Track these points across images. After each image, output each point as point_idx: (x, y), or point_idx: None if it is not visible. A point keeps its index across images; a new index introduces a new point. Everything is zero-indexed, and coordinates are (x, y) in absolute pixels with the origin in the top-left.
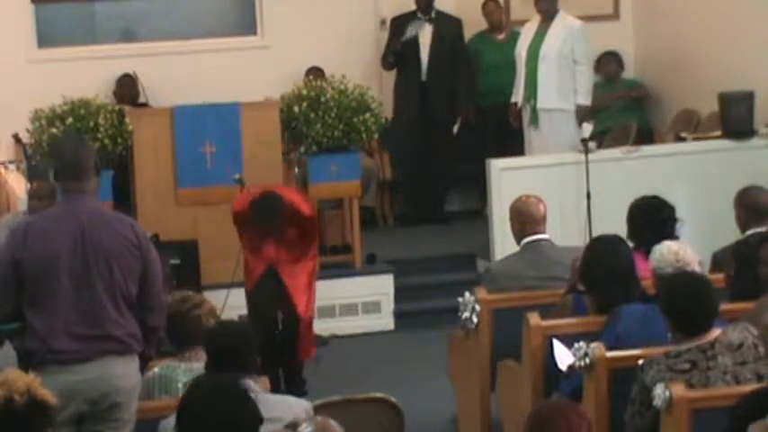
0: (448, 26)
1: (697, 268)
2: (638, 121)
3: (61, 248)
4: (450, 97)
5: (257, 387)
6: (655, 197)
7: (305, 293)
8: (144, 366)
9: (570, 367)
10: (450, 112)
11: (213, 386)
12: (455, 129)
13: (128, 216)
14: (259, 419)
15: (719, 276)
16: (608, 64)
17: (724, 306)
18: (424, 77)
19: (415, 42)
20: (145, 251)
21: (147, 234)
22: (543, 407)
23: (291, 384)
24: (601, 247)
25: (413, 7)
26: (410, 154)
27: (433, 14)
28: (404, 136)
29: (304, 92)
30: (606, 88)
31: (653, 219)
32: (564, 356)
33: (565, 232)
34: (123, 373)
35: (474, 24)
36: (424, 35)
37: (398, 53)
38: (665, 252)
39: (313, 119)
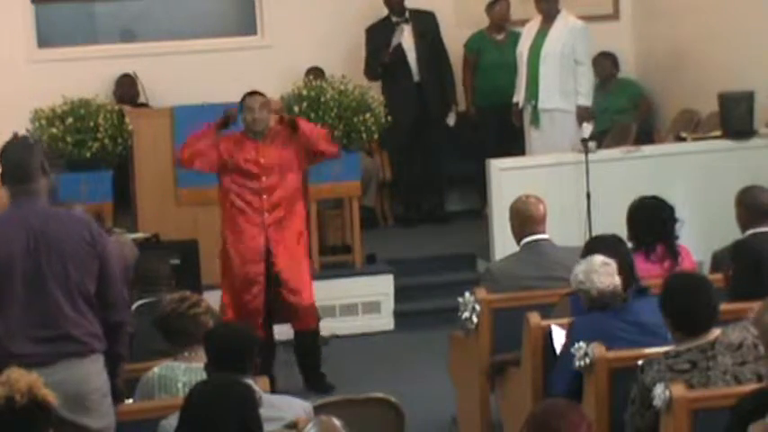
0: (424, 22)
1: (616, 281)
2: (638, 121)
3: (13, 252)
4: (442, 93)
5: (258, 387)
6: (654, 197)
7: (294, 258)
8: (117, 365)
9: (561, 360)
10: (444, 108)
11: (219, 387)
12: (451, 122)
13: (82, 213)
14: (261, 423)
15: (719, 276)
16: (602, 65)
17: (724, 306)
18: (416, 78)
19: (398, 47)
20: (100, 247)
21: (102, 230)
22: (543, 407)
23: (314, 381)
24: (598, 248)
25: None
26: (406, 154)
27: (407, 15)
28: (399, 137)
29: (304, 92)
30: (602, 89)
31: (653, 219)
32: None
33: (565, 232)
34: (84, 377)
35: (473, 23)
36: (406, 37)
37: (386, 64)
38: (593, 275)
39: (313, 119)
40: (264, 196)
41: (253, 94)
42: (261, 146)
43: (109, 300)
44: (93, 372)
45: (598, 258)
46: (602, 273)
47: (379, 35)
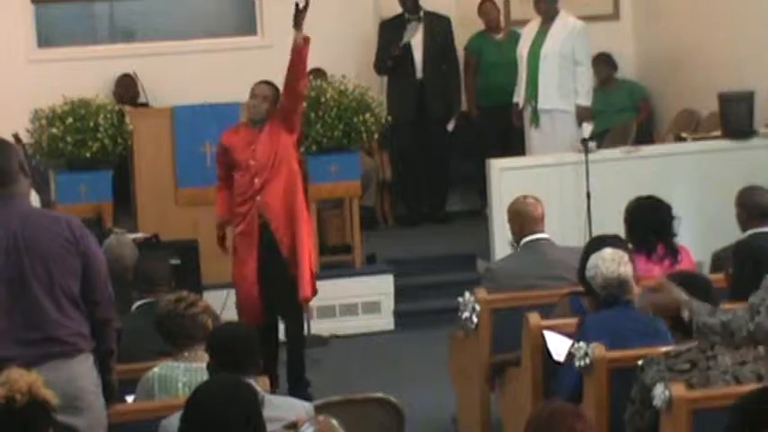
0: (437, 25)
1: (623, 270)
2: (638, 121)
3: None
4: (446, 95)
5: (259, 387)
6: (650, 197)
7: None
8: (107, 361)
9: (567, 358)
10: (446, 109)
11: (224, 387)
12: (450, 126)
13: (63, 213)
14: (264, 423)
15: (719, 276)
16: (599, 66)
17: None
18: (419, 76)
19: (407, 44)
20: (83, 247)
21: (84, 229)
22: (543, 410)
23: (295, 385)
24: (599, 248)
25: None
26: (408, 154)
27: (421, 14)
28: (401, 136)
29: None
30: (602, 89)
31: (651, 219)
32: (558, 346)
33: (565, 232)
34: (71, 377)
35: (473, 24)
36: (417, 35)
37: (396, 58)
38: (599, 261)
39: (313, 119)
40: (256, 180)
41: (262, 83)
42: (259, 136)
43: (93, 298)
44: (80, 372)
45: (609, 249)
46: (609, 260)
47: (390, 31)
